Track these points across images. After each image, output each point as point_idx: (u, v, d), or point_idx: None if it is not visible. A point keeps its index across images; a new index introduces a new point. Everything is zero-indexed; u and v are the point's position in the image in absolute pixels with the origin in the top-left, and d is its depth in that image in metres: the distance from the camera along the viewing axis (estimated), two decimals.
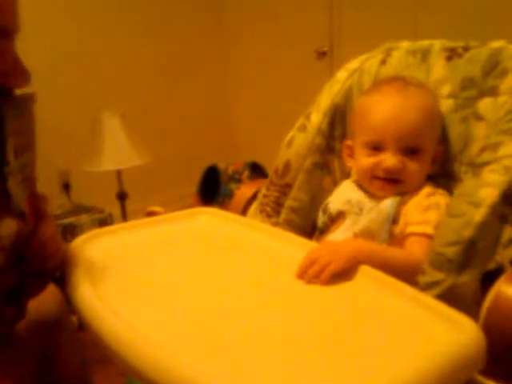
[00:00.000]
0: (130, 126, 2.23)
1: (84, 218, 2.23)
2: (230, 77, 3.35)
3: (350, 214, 0.95)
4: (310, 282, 0.73)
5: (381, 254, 0.81)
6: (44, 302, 0.84)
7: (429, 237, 0.84)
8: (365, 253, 0.78)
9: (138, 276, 0.78)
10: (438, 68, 0.99)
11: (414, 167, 0.92)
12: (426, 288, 0.75)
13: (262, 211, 1.11)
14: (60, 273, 0.78)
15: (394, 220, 0.90)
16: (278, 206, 1.09)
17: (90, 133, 2.20)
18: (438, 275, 0.76)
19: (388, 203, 0.91)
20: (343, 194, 1.00)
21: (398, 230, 0.89)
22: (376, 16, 2.50)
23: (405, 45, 1.06)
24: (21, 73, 0.68)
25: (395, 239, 0.88)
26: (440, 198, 0.90)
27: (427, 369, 0.54)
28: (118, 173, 2.32)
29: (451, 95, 0.96)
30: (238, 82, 3.33)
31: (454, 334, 0.59)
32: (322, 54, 2.82)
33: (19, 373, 0.75)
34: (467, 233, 0.76)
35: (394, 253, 0.84)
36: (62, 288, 0.86)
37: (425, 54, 1.02)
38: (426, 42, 1.04)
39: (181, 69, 3.13)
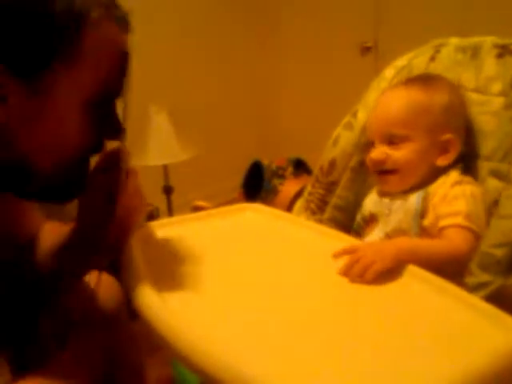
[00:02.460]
0: (176, 122, 2.26)
1: None
2: (274, 72, 3.35)
3: (381, 216, 0.96)
4: (354, 280, 0.73)
5: (424, 249, 0.81)
6: (104, 295, 0.88)
7: (463, 227, 0.83)
8: (407, 251, 0.78)
9: (192, 269, 0.80)
10: (489, 65, 0.97)
11: (399, 155, 0.93)
12: (473, 289, 0.75)
13: (306, 208, 1.12)
14: (116, 263, 0.82)
15: (422, 214, 0.89)
16: (322, 203, 1.10)
17: (137, 128, 2.25)
18: (486, 276, 0.76)
19: (414, 199, 0.91)
20: (375, 195, 1.01)
21: (427, 223, 0.88)
22: (421, 11, 2.45)
23: (454, 41, 1.05)
24: (117, 129, 0.73)
25: (426, 232, 0.88)
26: (467, 186, 0.90)
27: (475, 371, 0.54)
28: (165, 167, 2.36)
29: (502, 93, 0.95)
30: (283, 77, 3.33)
31: (502, 335, 0.59)
32: (366, 49, 2.79)
33: (91, 363, 0.79)
34: None
35: (436, 247, 0.84)
36: (116, 277, 0.90)
37: (475, 51, 1.00)
38: (476, 39, 1.02)
39: (226, 64, 3.15)
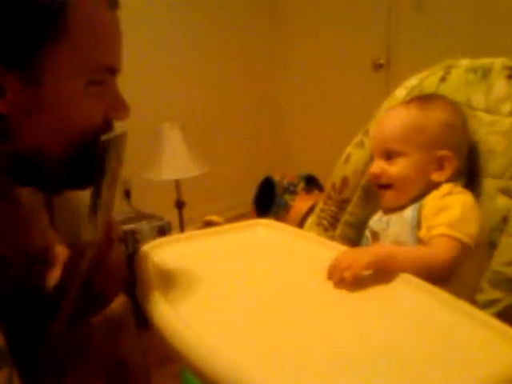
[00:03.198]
0: (188, 137, 2.29)
1: (144, 225, 2.32)
2: (287, 88, 3.38)
3: (381, 232, 0.98)
4: (337, 285, 0.77)
5: (401, 255, 0.83)
6: (112, 305, 0.89)
7: (446, 236, 0.85)
8: (384, 257, 0.81)
9: (203, 283, 0.82)
10: (499, 86, 0.99)
11: (394, 170, 0.96)
12: (484, 306, 0.76)
13: (318, 224, 1.13)
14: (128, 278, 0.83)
15: (418, 226, 0.91)
16: (334, 220, 1.11)
17: (151, 143, 2.28)
18: (497, 294, 0.77)
19: (409, 211, 0.93)
20: (379, 213, 1.02)
21: (422, 234, 0.90)
22: (433, 30, 2.47)
23: (465, 62, 1.07)
24: (122, 107, 0.73)
25: (423, 244, 0.89)
26: (456, 196, 0.91)
27: None
28: (177, 182, 2.39)
29: None
30: (295, 92, 3.35)
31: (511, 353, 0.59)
32: (378, 66, 2.81)
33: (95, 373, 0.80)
34: None
35: (415, 253, 0.86)
36: (127, 291, 0.91)
37: (485, 72, 1.02)
38: (486, 60, 1.04)
39: (239, 80, 3.19)
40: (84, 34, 0.65)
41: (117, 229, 0.81)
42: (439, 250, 0.83)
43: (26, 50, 0.62)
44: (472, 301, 0.77)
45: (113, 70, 0.71)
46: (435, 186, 0.94)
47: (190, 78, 2.93)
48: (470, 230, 0.85)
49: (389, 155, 0.97)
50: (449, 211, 0.88)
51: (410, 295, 0.74)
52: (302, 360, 0.61)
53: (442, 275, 0.80)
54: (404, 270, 0.78)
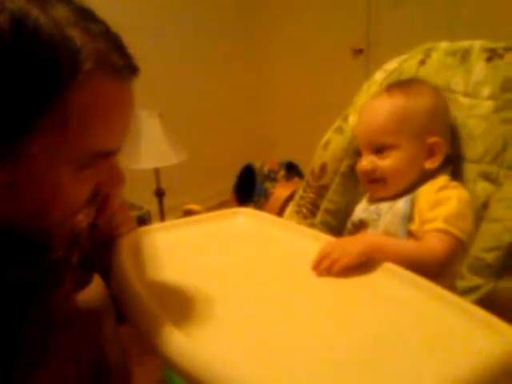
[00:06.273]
0: (167, 125, 2.27)
1: None
2: (266, 75, 3.36)
3: (370, 221, 0.96)
4: (321, 274, 0.76)
5: (393, 247, 0.81)
6: (90, 290, 0.86)
7: (440, 230, 0.83)
8: (375, 247, 0.79)
9: (183, 273, 0.80)
10: (478, 69, 0.98)
11: (386, 164, 0.94)
12: (464, 293, 0.75)
13: (298, 212, 1.12)
14: (106, 266, 0.81)
15: (410, 218, 0.90)
16: (314, 207, 1.10)
17: (128, 131, 2.24)
18: (477, 280, 0.76)
19: (401, 203, 0.92)
20: (365, 202, 1.01)
21: (414, 227, 0.89)
22: (413, 15, 2.47)
23: (444, 45, 1.06)
24: (117, 183, 0.66)
25: (413, 237, 0.88)
26: (452, 191, 0.90)
27: (464, 374, 0.54)
28: (156, 171, 2.36)
29: (491, 96, 0.95)
30: (274, 79, 3.34)
31: (493, 340, 0.59)
32: (358, 52, 2.80)
33: (77, 358, 0.77)
34: (508, 238, 0.76)
35: (407, 246, 0.85)
36: (106, 281, 0.89)
37: (464, 55, 1.01)
38: (465, 43, 1.02)
39: (217, 68, 3.15)
40: (85, 116, 0.55)
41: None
42: (435, 246, 0.82)
43: (13, 127, 0.53)
44: (452, 287, 0.76)
45: (113, 153, 0.62)
46: (428, 174, 0.93)
47: (169, 66, 2.89)
48: (465, 226, 0.84)
49: (378, 149, 0.95)
50: (445, 206, 0.86)
51: (393, 284, 0.73)
52: (291, 351, 0.60)
53: (436, 271, 0.79)
54: (395, 261, 0.76)
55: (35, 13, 0.52)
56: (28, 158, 0.55)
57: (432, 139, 0.93)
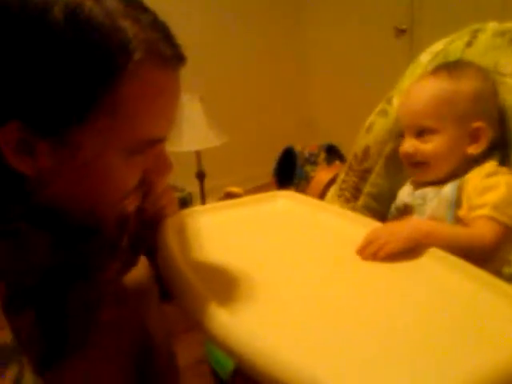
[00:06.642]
0: (208, 108, 2.28)
1: None
2: (307, 56, 3.33)
3: (415, 206, 0.95)
4: (367, 259, 0.76)
5: (443, 233, 0.81)
6: (136, 271, 0.89)
7: (489, 218, 0.82)
8: (424, 232, 0.78)
9: (224, 251, 0.82)
10: None
11: (428, 148, 0.92)
12: (510, 279, 0.74)
13: (340, 196, 1.12)
14: (152, 247, 0.84)
15: (457, 204, 0.88)
16: (356, 191, 1.10)
17: None
18: None
19: (448, 189, 0.90)
20: (410, 186, 1.00)
21: (461, 213, 0.87)
22: None
23: (492, 26, 1.03)
24: (164, 170, 0.67)
25: (461, 223, 0.87)
26: (501, 177, 0.88)
27: (506, 363, 0.54)
28: (197, 153, 2.39)
29: None
30: (316, 61, 3.30)
31: None
32: (401, 32, 2.74)
33: (121, 337, 0.80)
34: None
35: (457, 232, 0.83)
36: (151, 261, 0.92)
37: None
38: None
39: (258, 50, 3.14)
40: (134, 104, 0.57)
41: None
42: (485, 233, 0.81)
43: (67, 116, 0.55)
44: (499, 273, 0.75)
45: (162, 140, 0.64)
46: (472, 160, 0.92)
47: (209, 48, 2.89)
48: None
49: (421, 132, 0.93)
50: (494, 192, 0.85)
51: (441, 270, 0.73)
52: (331, 332, 0.61)
53: (483, 257, 0.78)
54: (443, 247, 0.75)
55: (88, 4, 0.53)
56: (80, 145, 0.57)
57: (476, 124, 0.91)
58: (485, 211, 0.83)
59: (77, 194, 0.61)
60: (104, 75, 0.54)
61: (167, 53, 0.58)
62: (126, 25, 0.55)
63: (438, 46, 1.08)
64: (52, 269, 0.68)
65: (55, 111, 0.54)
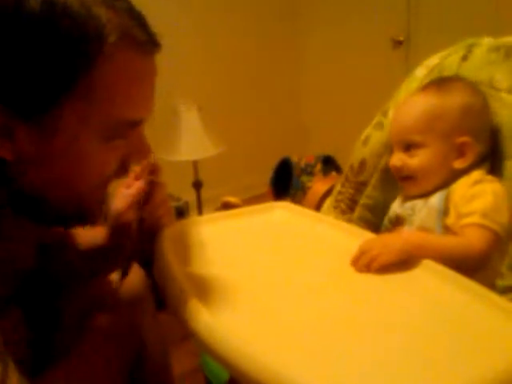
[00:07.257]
0: (205, 118, 2.29)
1: None
2: (303, 67, 3.35)
3: (405, 217, 0.96)
4: (360, 271, 0.77)
5: (434, 244, 0.81)
6: (130, 280, 0.89)
7: (479, 225, 0.83)
8: (416, 245, 0.79)
9: (220, 261, 0.83)
10: None
11: (414, 162, 0.94)
12: (503, 292, 0.75)
13: (336, 207, 1.12)
14: (149, 257, 0.84)
15: (445, 213, 0.89)
16: (352, 202, 1.10)
17: (168, 124, 2.28)
18: None
19: (436, 198, 0.91)
20: (401, 198, 1.01)
21: (449, 221, 0.88)
22: (454, 7, 2.41)
23: (487, 41, 1.04)
24: (143, 154, 0.71)
25: (450, 231, 0.88)
26: (487, 185, 0.88)
27: (501, 375, 0.54)
28: (194, 163, 2.39)
29: None
30: (312, 72, 3.31)
31: None
32: (398, 43, 2.76)
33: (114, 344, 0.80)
34: None
35: (448, 242, 0.84)
36: (148, 271, 0.92)
37: (509, 51, 0.99)
38: (510, 39, 1.01)
39: (255, 60, 3.15)
40: (110, 87, 0.59)
41: (158, 170, 0.83)
42: (475, 241, 0.81)
43: (44, 100, 0.57)
44: (492, 286, 0.76)
45: (139, 123, 0.66)
46: (459, 173, 0.92)
47: (207, 58, 2.91)
48: (502, 220, 0.83)
49: (408, 146, 0.95)
50: (481, 199, 0.85)
51: (433, 282, 0.73)
52: (323, 341, 0.61)
53: (475, 266, 0.79)
54: (435, 258, 0.76)
55: None
56: (58, 128, 0.59)
57: (461, 139, 0.91)
58: (474, 219, 0.83)
59: (57, 178, 0.63)
60: (79, 60, 0.57)
61: (142, 38, 0.61)
62: (101, 11, 0.58)
63: (433, 61, 1.09)
64: (33, 274, 0.69)
65: (32, 95, 0.57)
